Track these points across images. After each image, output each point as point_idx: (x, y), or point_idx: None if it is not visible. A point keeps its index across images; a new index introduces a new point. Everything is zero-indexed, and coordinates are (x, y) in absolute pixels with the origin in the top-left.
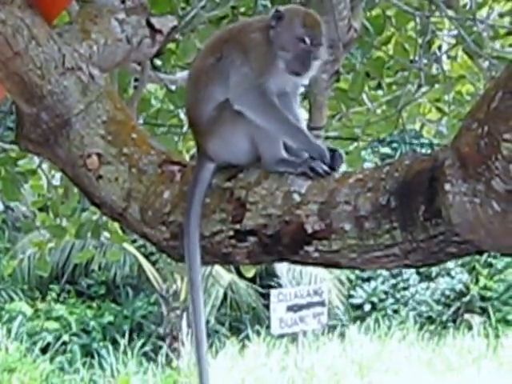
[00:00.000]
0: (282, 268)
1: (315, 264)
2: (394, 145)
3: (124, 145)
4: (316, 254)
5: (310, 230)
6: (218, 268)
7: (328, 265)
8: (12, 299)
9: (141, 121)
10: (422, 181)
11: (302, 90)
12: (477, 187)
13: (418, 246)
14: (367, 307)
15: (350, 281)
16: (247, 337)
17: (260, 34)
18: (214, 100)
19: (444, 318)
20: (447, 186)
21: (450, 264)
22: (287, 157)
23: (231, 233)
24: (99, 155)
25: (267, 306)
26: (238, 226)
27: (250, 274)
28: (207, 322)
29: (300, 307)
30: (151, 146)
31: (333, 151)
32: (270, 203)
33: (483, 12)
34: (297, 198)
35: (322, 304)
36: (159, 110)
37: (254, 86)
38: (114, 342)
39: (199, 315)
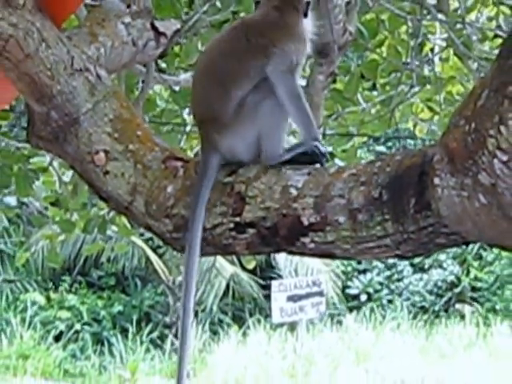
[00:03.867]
0: (281, 260)
1: (311, 255)
2: (389, 143)
3: (130, 142)
4: (312, 245)
5: (306, 223)
6: (221, 260)
7: (323, 255)
8: (26, 290)
9: (146, 120)
10: (413, 175)
11: None
12: (464, 181)
13: (408, 237)
14: (363, 297)
15: (345, 273)
16: (248, 326)
17: (293, 18)
18: (237, 94)
19: (436, 307)
20: (436, 180)
21: (442, 256)
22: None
23: (231, 225)
24: (106, 152)
25: (267, 297)
26: (237, 219)
27: (251, 265)
28: (210, 311)
29: (299, 297)
30: (155, 142)
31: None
32: (269, 197)
33: (472, 16)
34: (294, 192)
35: (320, 294)
36: (163, 109)
37: (292, 69)
38: (123, 331)
39: (189, 301)
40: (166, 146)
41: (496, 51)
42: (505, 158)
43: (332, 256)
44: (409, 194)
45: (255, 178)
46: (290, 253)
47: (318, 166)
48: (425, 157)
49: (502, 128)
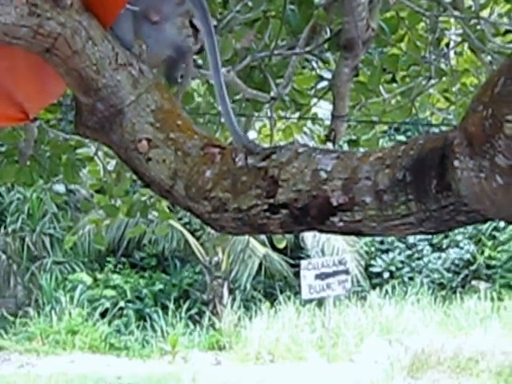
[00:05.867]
0: (309, 241)
1: (340, 232)
2: (409, 133)
3: (170, 130)
4: (341, 224)
5: (335, 203)
6: (253, 242)
7: (351, 233)
8: (74, 270)
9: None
10: (434, 158)
11: (326, 83)
12: (482, 163)
13: (430, 215)
14: (386, 275)
15: (368, 253)
16: (279, 302)
17: None
18: None
19: (454, 284)
20: (456, 163)
21: (459, 236)
22: None
23: (266, 206)
24: (149, 140)
25: (297, 275)
26: (271, 201)
27: (282, 245)
28: (244, 288)
29: (326, 275)
30: (194, 131)
31: None
32: (300, 180)
33: (485, 12)
34: (323, 175)
35: (346, 272)
36: (200, 103)
37: None
38: (164, 307)
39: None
40: (204, 134)
41: (508, 46)
42: None
43: (359, 233)
44: (431, 176)
45: (287, 163)
46: (321, 231)
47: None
48: (445, 140)
49: None
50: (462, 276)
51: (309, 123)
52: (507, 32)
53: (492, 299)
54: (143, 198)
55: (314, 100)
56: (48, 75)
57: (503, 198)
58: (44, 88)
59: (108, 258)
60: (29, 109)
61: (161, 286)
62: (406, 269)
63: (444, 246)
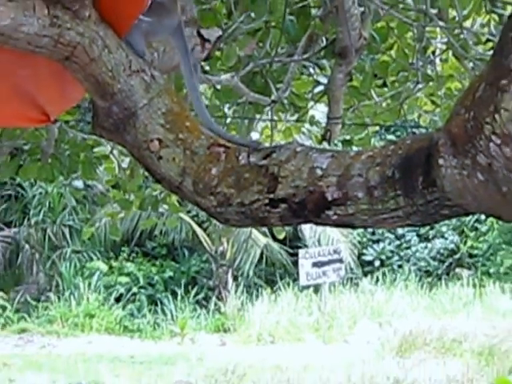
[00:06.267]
0: (306, 232)
1: (334, 225)
2: (398, 133)
3: (179, 131)
4: (335, 217)
5: (329, 198)
6: (255, 233)
7: (344, 225)
8: (91, 259)
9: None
10: (421, 157)
11: (322, 87)
12: (465, 161)
13: (417, 209)
14: (377, 263)
15: (361, 243)
16: (279, 288)
17: None
18: None
19: (439, 271)
20: (441, 161)
21: (444, 228)
22: None
23: (266, 201)
24: (159, 140)
25: (295, 263)
26: (271, 196)
27: (281, 236)
28: (247, 275)
29: (322, 263)
30: (201, 131)
31: None
32: (298, 177)
33: (468, 23)
34: (319, 172)
35: (340, 261)
36: (207, 105)
37: None
38: (174, 293)
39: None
40: (210, 135)
41: (488, 53)
42: (499, 142)
43: (352, 226)
44: (417, 173)
45: (286, 161)
46: (317, 223)
47: (340, 149)
48: (431, 141)
49: (497, 116)
50: (446, 264)
51: (306, 124)
52: (488, 41)
53: (474, 285)
54: (154, 193)
55: (311, 103)
56: (67, 81)
57: (483, 193)
58: (64, 93)
59: (122, 248)
60: (50, 111)
61: (171, 274)
62: (395, 257)
63: (430, 237)
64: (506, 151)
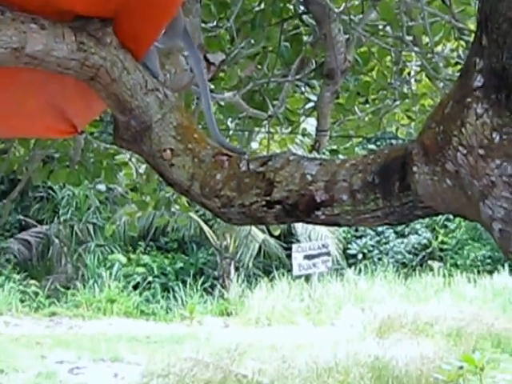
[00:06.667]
0: (298, 229)
1: (322, 224)
2: (378, 143)
3: (188, 142)
4: (323, 217)
5: (318, 200)
6: (254, 230)
7: (331, 224)
8: (112, 252)
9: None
10: (397, 164)
11: (312, 104)
12: (435, 169)
13: (394, 210)
14: (359, 256)
15: (346, 238)
16: (275, 277)
17: None
18: None
19: (413, 263)
20: (414, 168)
21: (418, 225)
22: None
23: (263, 203)
24: (171, 150)
25: (289, 256)
26: (268, 198)
27: (277, 232)
28: (247, 266)
29: (312, 256)
30: (207, 142)
31: None
32: (291, 182)
33: (439, 48)
34: (309, 177)
35: (328, 254)
36: None
37: None
38: (183, 282)
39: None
40: (215, 145)
41: (456, 74)
42: (464, 152)
43: (338, 224)
44: (394, 179)
45: (281, 168)
46: (307, 222)
47: (327, 157)
48: (406, 151)
49: (463, 129)
50: (420, 257)
51: (299, 136)
52: (456, 64)
53: (444, 276)
54: (167, 195)
55: (303, 117)
56: (92, 97)
57: (451, 196)
58: (89, 106)
59: (139, 242)
60: (77, 123)
61: (181, 265)
62: (376, 251)
63: (406, 233)
64: (471, 160)
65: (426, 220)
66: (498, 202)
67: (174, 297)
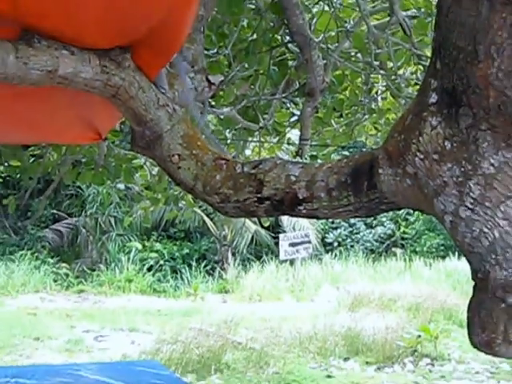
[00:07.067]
0: (285, 222)
1: (304, 216)
2: (351, 150)
3: (193, 149)
4: (304, 211)
5: (300, 197)
6: (248, 222)
7: (311, 217)
8: (130, 240)
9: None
10: (365, 167)
11: (296, 117)
12: (397, 171)
13: (363, 205)
14: (335, 244)
15: (323, 229)
16: (265, 261)
17: None
18: None
19: (380, 250)
20: (380, 170)
21: (383, 218)
22: None
23: (255, 199)
24: (179, 155)
25: (276, 244)
26: (259, 195)
27: (267, 224)
28: (242, 252)
29: (296, 244)
30: (209, 149)
31: None
32: (278, 182)
33: (401, 71)
34: (293, 178)
35: (309, 242)
36: (213, 130)
37: None
38: (189, 265)
39: None
40: (215, 151)
41: (415, 93)
42: (422, 157)
43: (317, 217)
44: (363, 179)
45: (269, 170)
46: (291, 215)
47: (308, 162)
48: (373, 156)
49: (420, 138)
50: (385, 245)
51: (285, 144)
52: (415, 84)
53: (405, 260)
54: (175, 193)
55: (288, 129)
56: (112, 109)
57: (411, 193)
58: (110, 117)
59: (152, 232)
60: (101, 131)
61: (187, 251)
62: (349, 240)
63: (373, 225)
64: (427, 163)
65: (390, 213)
66: (449, 199)
67: (181, 277)
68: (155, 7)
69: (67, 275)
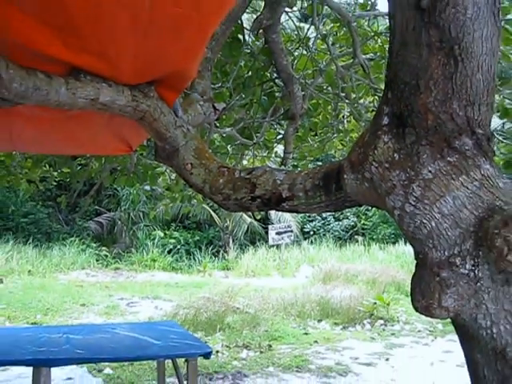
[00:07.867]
0: (273, 216)
1: (287, 211)
2: (323, 161)
3: (202, 159)
4: (287, 207)
5: (284, 196)
6: (244, 216)
7: (292, 211)
8: (155, 229)
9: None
10: (334, 173)
11: (281, 136)
12: (358, 176)
13: (332, 202)
14: (311, 233)
15: (303, 221)
16: (258, 246)
17: None
18: None
19: (345, 237)
20: (345, 176)
21: (348, 213)
22: None
23: (249, 198)
24: (191, 164)
25: (266, 232)
26: (252, 195)
27: (259, 217)
28: (239, 238)
29: (281, 232)
30: (214, 159)
31: None
32: (267, 184)
33: (362, 100)
34: (278, 182)
35: (291, 231)
36: (218, 145)
37: None
38: (200, 248)
39: None
40: (219, 161)
41: (372, 117)
42: (376, 165)
43: (297, 211)
44: (332, 182)
45: (260, 175)
46: (277, 210)
47: (291, 169)
48: (340, 164)
49: (375, 151)
50: (349, 233)
51: (273, 156)
52: (373, 110)
53: (364, 245)
54: (189, 193)
55: (275, 144)
56: (141, 128)
57: (368, 194)
58: (139, 134)
59: (171, 223)
60: (132, 145)
61: (198, 238)
62: (322, 230)
63: (341, 218)
64: (380, 170)
65: (353, 209)
66: (397, 197)
67: (194, 258)
68: (173, 61)
69: (106, 256)
